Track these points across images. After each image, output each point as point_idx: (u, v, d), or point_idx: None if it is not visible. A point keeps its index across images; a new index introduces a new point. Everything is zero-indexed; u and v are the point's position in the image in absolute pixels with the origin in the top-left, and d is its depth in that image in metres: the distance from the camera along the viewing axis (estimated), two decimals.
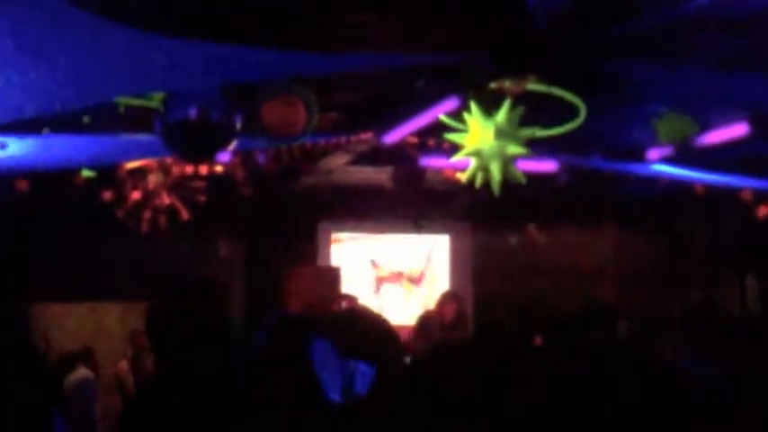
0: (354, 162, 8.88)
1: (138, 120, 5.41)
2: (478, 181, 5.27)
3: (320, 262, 10.73)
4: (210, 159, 7.16)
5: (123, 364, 9.23)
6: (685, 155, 6.61)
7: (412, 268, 11.25)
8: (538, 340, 5.00)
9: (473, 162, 5.23)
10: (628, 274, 10.65)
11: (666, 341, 7.71)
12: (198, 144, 5.10)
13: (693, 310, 10.26)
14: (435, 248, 11.23)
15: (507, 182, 5.23)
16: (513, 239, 10.92)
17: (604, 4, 4.27)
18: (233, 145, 5.31)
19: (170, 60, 4.11)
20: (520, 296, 10.14)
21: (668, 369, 5.11)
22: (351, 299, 7.99)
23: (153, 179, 7.92)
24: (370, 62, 4.73)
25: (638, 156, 7.05)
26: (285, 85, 5.29)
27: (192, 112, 4.87)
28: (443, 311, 7.99)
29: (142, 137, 5.63)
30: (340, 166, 9.11)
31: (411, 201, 9.81)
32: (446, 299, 8.21)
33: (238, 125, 5.15)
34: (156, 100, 4.99)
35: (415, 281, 11.25)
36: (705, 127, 6.17)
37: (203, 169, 7.91)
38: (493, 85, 5.13)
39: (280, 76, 5.03)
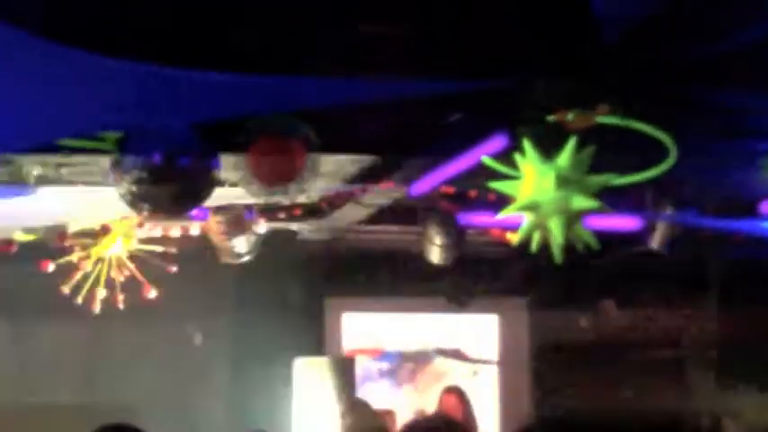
0: (372, 220, 8.86)
1: (86, 168, 5.41)
2: (535, 244, 5.22)
3: (328, 351, 10.68)
4: (182, 219, 7.16)
5: None
6: None
7: None
8: None
9: (528, 219, 5.18)
10: (736, 365, 10.52)
11: None
12: (165, 199, 5.08)
13: None
14: (480, 332, 11.17)
15: (573, 245, 5.18)
16: (582, 320, 10.85)
17: (695, 12, 4.25)
18: (211, 199, 5.30)
19: (129, 91, 4.12)
20: (593, 394, 10.06)
21: None
22: (363, 405, 7.98)
23: (108, 245, 7.91)
24: (390, 90, 4.72)
25: (747, 210, 6.99)
26: (278, 120, 5.29)
27: (157, 158, 4.87)
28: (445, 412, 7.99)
29: (93, 190, 5.62)
30: (353, 226, 9.09)
31: (447, 270, 9.76)
32: (445, 397, 8.20)
33: (218, 173, 5.14)
34: (109, 142, 4.99)
35: None
36: None
37: (174, 231, 7.91)
38: (552, 119, 5.10)
39: (270, 109, 5.02)
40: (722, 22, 4.29)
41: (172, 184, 4.99)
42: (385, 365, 11.05)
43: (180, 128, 4.90)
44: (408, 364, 11.09)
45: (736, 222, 7.45)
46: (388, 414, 8.52)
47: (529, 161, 5.05)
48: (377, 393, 10.71)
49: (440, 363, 11.16)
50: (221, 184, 5.26)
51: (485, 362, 11.18)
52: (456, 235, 8.62)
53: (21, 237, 7.42)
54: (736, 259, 9.32)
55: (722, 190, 7.02)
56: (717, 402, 9.74)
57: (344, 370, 9.73)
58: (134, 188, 5.03)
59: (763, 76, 4.78)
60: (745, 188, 6.76)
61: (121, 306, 8.06)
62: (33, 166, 5.37)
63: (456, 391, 8.41)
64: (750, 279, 9.84)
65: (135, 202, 5.19)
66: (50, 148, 5.14)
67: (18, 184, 5.55)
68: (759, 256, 8.81)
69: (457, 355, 11.18)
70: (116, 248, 7.95)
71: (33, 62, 3.67)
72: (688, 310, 10.77)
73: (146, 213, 5.58)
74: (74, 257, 7.83)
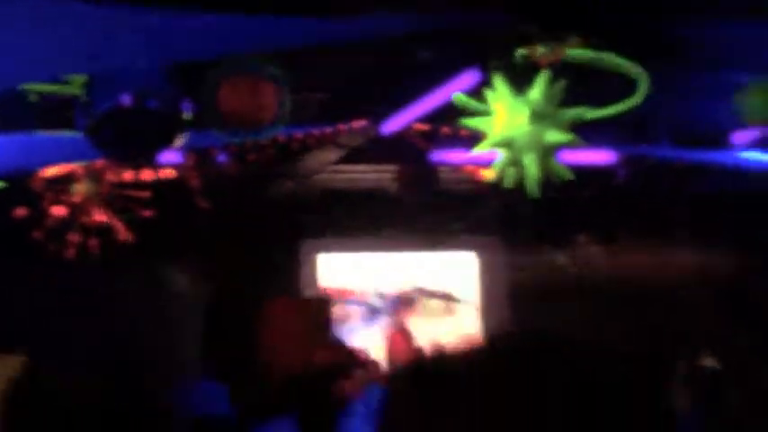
0: (346, 160, 8.83)
1: (54, 112, 5.38)
2: (510, 179, 5.22)
3: (305, 291, 10.68)
4: (153, 162, 7.11)
5: None
6: None
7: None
8: None
9: (502, 155, 5.19)
10: (709, 297, 10.57)
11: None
12: (134, 142, 5.05)
13: None
14: (457, 270, 11.18)
15: (548, 180, 5.19)
16: (558, 256, 10.87)
17: None
18: (182, 141, 5.26)
19: (95, 32, 4.09)
20: (572, 331, 10.12)
21: None
22: (337, 343, 8.05)
23: (80, 190, 7.86)
24: (359, 28, 4.69)
25: (720, 141, 7.00)
26: (247, 60, 5.26)
27: (126, 100, 4.83)
28: (394, 354, 8.03)
29: (62, 134, 5.59)
30: (327, 166, 9.06)
31: (422, 208, 9.77)
32: (392, 336, 8.24)
33: (188, 115, 5.11)
34: (76, 85, 4.95)
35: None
36: None
37: (146, 175, 7.86)
38: (523, 53, 5.09)
39: (240, 49, 4.99)
40: None
41: (141, 127, 4.96)
42: (363, 308, 11.06)
43: (148, 70, 4.87)
44: (386, 305, 11.10)
45: (708, 154, 7.47)
46: (362, 353, 8.57)
47: (501, 97, 5.05)
48: (355, 335, 10.74)
49: (417, 303, 11.17)
50: (191, 125, 5.23)
51: (463, 301, 11.20)
52: (429, 172, 8.61)
53: None
54: (709, 191, 9.35)
55: (694, 122, 7.03)
56: (692, 338, 9.79)
57: (319, 310, 9.75)
58: (103, 131, 4.99)
59: (736, 6, 4.77)
60: (718, 120, 6.77)
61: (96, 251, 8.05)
62: None
63: (401, 331, 8.47)
64: (723, 212, 9.86)
65: (104, 145, 5.17)
66: (18, 92, 5.13)
67: None
68: (732, 187, 8.84)
69: (435, 294, 11.20)
70: (88, 193, 7.91)
71: None
72: (664, 244, 10.80)
73: (116, 157, 5.55)
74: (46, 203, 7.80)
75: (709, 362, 9.00)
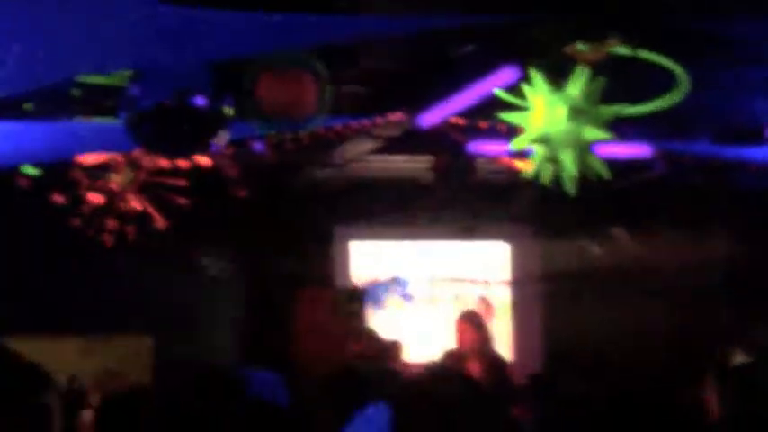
0: (382, 150, 8.82)
1: (96, 102, 5.42)
2: (546, 175, 5.24)
3: (338, 280, 10.72)
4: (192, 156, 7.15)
5: (87, 416, 9.20)
6: None
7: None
8: None
9: (539, 151, 5.20)
10: (746, 290, 10.53)
11: None
12: (176, 139, 5.06)
13: None
14: (491, 259, 11.18)
15: (585, 175, 5.20)
16: (593, 248, 10.85)
17: None
18: (225, 138, 5.28)
19: (142, 29, 4.12)
20: (603, 321, 10.11)
21: None
22: (370, 334, 8.05)
23: (118, 178, 7.90)
24: (400, 25, 4.71)
25: (758, 137, 6.99)
26: (287, 54, 5.28)
27: (168, 97, 4.84)
28: (464, 342, 7.99)
29: (103, 124, 5.63)
30: (363, 156, 9.06)
31: (457, 198, 9.76)
32: (460, 325, 8.16)
33: (229, 111, 5.11)
34: (120, 78, 4.98)
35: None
36: None
37: (184, 163, 7.89)
38: (563, 50, 5.10)
39: (281, 46, 5.01)
40: None
41: (183, 124, 4.96)
42: (395, 292, 11.06)
43: (192, 66, 4.88)
44: (418, 290, 11.10)
45: (746, 150, 7.46)
46: (395, 345, 8.54)
47: (539, 93, 5.06)
48: (386, 321, 10.74)
49: (449, 289, 11.17)
50: (233, 119, 5.23)
51: (494, 285, 11.17)
52: (465, 163, 8.57)
53: (30, 170, 7.41)
54: (746, 188, 9.31)
55: (733, 118, 7.01)
56: (727, 330, 9.77)
57: (353, 299, 9.79)
58: (145, 127, 5.00)
59: None
60: (756, 116, 6.77)
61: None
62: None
63: (470, 320, 8.30)
64: (760, 207, 9.82)
65: (145, 141, 5.18)
66: (65, 83, 5.17)
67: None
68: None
69: (466, 281, 11.19)
70: (126, 181, 7.94)
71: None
72: (698, 238, 10.76)
73: (157, 152, 5.56)
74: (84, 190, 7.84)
75: (739, 357, 8.99)
